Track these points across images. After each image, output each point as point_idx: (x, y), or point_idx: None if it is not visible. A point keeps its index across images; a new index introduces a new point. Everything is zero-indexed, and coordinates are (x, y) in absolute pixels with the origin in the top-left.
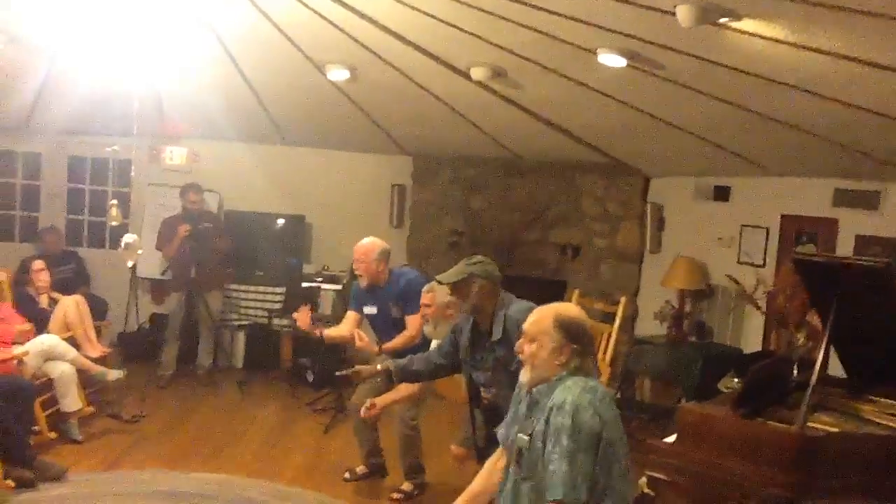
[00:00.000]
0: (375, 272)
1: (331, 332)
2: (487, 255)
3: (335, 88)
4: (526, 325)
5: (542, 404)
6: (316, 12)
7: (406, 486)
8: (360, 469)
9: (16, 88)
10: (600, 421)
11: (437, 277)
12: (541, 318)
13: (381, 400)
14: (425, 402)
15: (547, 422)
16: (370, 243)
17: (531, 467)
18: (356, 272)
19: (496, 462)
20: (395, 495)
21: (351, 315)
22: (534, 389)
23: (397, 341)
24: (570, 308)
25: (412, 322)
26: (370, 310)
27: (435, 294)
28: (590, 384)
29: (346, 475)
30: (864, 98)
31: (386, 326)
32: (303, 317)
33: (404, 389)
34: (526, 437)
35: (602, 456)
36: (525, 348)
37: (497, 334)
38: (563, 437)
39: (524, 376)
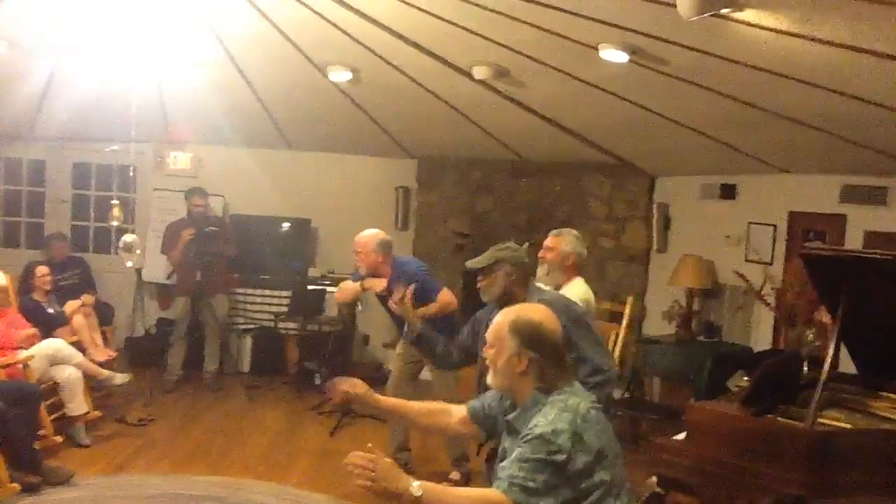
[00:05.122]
0: (374, 262)
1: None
2: None
3: (338, 91)
4: (489, 330)
5: (520, 433)
6: (316, 13)
7: (454, 474)
8: None
9: (18, 94)
10: (581, 440)
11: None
12: (500, 321)
13: None
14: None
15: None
16: (369, 235)
17: None
18: (357, 264)
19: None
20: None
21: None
22: (510, 416)
23: (430, 309)
24: (532, 312)
25: (442, 296)
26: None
27: (561, 239)
28: (570, 402)
29: None
30: (871, 90)
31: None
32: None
33: None
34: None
35: (585, 476)
36: (487, 352)
37: None
38: (528, 449)
39: (489, 379)
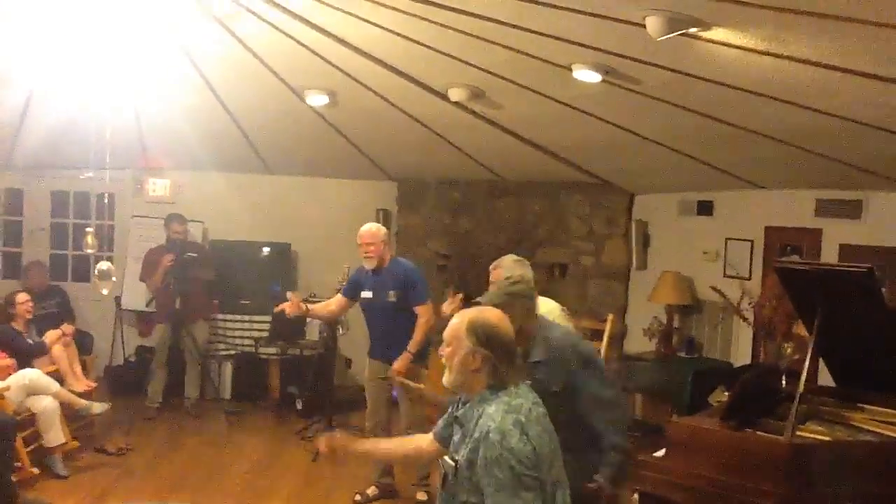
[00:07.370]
0: (384, 253)
1: (317, 308)
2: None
3: (316, 115)
4: (446, 330)
5: (466, 428)
6: (292, 37)
7: (420, 495)
8: (371, 490)
9: None
10: (529, 440)
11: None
12: (458, 322)
13: None
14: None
15: (475, 451)
16: (377, 227)
17: (456, 493)
18: (366, 255)
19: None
20: None
21: (341, 299)
22: (459, 412)
23: (416, 338)
24: (488, 314)
25: (422, 311)
26: (367, 294)
27: (500, 269)
28: (513, 403)
29: (357, 497)
30: (839, 106)
31: (383, 312)
32: (292, 304)
33: None
34: (451, 463)
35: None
36: (443, 351)
37: (537, 356)
38: (495, 470)
39: (444, 378)
